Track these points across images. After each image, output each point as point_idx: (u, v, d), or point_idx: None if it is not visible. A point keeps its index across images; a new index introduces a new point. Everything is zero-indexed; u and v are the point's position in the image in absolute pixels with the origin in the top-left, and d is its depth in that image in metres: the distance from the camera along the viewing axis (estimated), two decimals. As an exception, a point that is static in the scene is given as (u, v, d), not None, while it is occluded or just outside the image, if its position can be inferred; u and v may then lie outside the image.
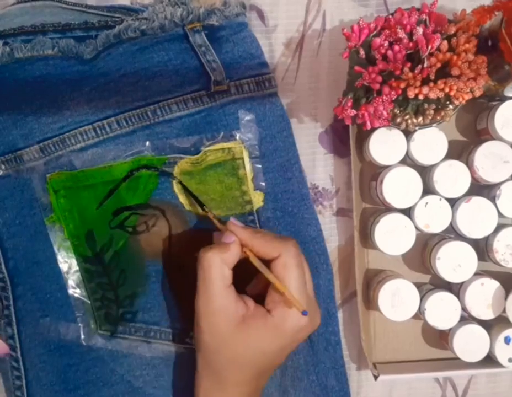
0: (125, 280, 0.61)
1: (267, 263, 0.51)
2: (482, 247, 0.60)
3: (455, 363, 0.61)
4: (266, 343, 0.50)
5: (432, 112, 0.52)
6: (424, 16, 0.50)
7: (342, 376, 0.62)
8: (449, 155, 0.57)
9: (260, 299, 0.52)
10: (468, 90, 0.48)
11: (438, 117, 0.53)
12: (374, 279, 0.62)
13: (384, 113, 0.50)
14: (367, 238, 0.61)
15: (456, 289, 0.60)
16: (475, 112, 0.61)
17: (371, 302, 0.62)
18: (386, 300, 0.58)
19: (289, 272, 0.50)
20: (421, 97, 0.49)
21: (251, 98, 0.59)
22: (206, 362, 0.52)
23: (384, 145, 0.57)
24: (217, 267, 0.49)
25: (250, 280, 0.55)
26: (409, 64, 0.49)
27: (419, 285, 0.60)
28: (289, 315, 0.49)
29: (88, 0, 0.61)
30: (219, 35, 0.58)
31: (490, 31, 0.50)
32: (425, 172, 0.59)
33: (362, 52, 0.51)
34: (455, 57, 0.48)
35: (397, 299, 0.58)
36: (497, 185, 0.58)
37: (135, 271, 0.61)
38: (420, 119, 0.52)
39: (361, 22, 0.50)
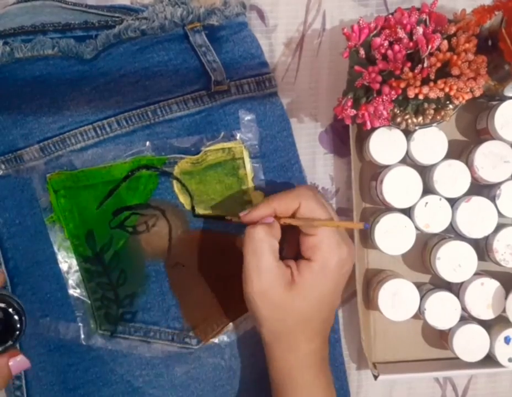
0: (125, 280, 0.61)
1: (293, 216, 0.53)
2: (482, 247, 0.60)
3: (455, 362, 0.61)
4: (320, 289, 0.52)
5: (432, 111, 0.52)
6: (424, 16, 0.50)
7: (342, 374, 0.63)
8: (449, 155, 0.57)
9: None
10: (468, 90, 0.48)
11: (438, 117, 0.53)
12: (374, 279, 0.62)
13: (384, 113, 0.50)
14: (367, 238, 0.61)
15: (456, 289, 0.60)
16: (475, 112, 0.61)
17: (370, 302, 0.62)
18: (386, 300, 0.58)
19: (317, 213, 0.51)
20: (421, 97, 0.49)
21: (252, 98, 0.59)
22: (273, 333, 0.53)
23: (384, 145, 0.57)
24: (267, 241, 0.51)
25: None
26: (409, 64, 0.49)
27: (418, 285, 0.60)
28: (329, 254, 0.51)
29: (88, 0, 0.61)
30: (219, 35, 0.58)
31: (490, 30, 0.50)
32: (425, 172, 0.59)
33: (362, 52, 0.51)
34: (455, 57, 0.48)
35: (397, 299, 0.58)
36: (497, 185, 0.58)
37: (135, 270, 0.60)
38: (420, 119, 0.52)
39: (361, 22, 0.50)
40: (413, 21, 0.50)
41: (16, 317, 0.48)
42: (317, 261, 0.51)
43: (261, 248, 0.51)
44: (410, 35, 0.50)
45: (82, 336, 0.60)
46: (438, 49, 0.49)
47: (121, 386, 0.61)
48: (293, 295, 0.51)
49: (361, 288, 0.61)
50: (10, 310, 0.48)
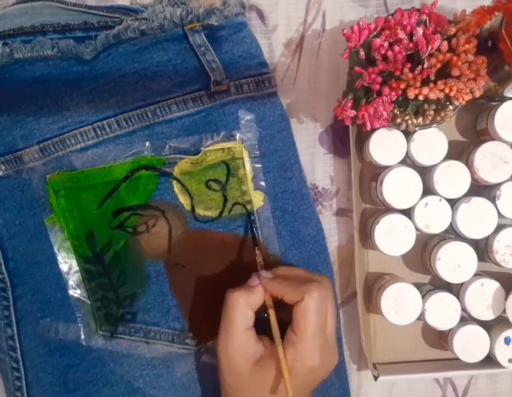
0: (125, 281, 0.61)
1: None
2: (482, 248, 0.60)
3: (455, 363, 0.61)
4: (280, 383, 0.51)
5: (432, 112, 0.52)
6: (424, 17, 0.50)
7: (342, 374, 0.63)
8: (449, 156, 0.57)
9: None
10: (468, 91, 0.48)
11: (438, 118, 0.53)
12: (374, 286, 0.62)
13: (384, 113, 0.50)
14: (367, 238, 0.61)
15: (456, 290, 0.60)
16: (475, 112, 0.61)
17: (373, 308, 0.62)
18: (389, 306, 0.58)
19: (307, 319, 0.50)
20: (421, 97, 0.49)
21: (251, 98, 0.59)
22: (231, 394, 0.53)
23: (384, 145, 0.57)
24: (240, 308, 0.51)
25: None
26: (409, 65, 0.49)
27: (418, 286, 0.60)
28: (300, 357, 0.50)
29: (88, 1, 0.61)
30: (218, 35, 0.58)
31: (490, 31, 0.50)
32: (425, 172, 0.58)
33: (362, 53, 0.51)
34: (455, 58, 0.48)
35: (399, 303, 0.58)
36: (497, 185, 0.57)
37: (135, 271, 0.61)
38: (420, 119, 0.52)
39: (361, 22, 0.50)
40: (413, 22, 0.50)
41: None
42: (288, 356, 0.50)
43: (232, 314, 0.51)
44: (410, 35, 0.50)
45: (82, 337, 0.60)
46: (438, 50, 0.48)
47: (121, 386, 0.61)
48: (253, 374, 0.51)
49: (361, 289, 0.61)
50: None
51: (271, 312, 0.52)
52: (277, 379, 0.51)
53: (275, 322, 0.51)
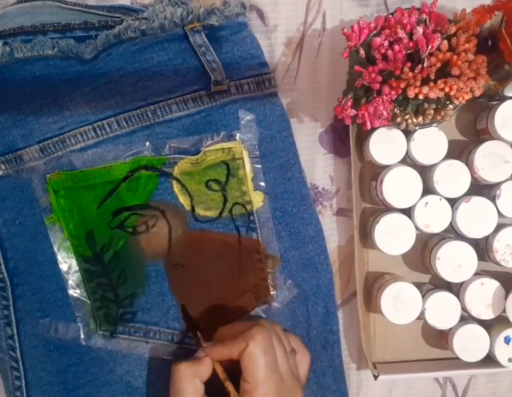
0: (125, 281, 0.60)
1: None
2: (482, 247, 0.60)
3: (455, 362, 0.61)
4: None
5: (432, 111, 0.52)
6: (424, 16, 0.50)
7: (340, 376, 0.62)
8: (449, 155, 0.57)
9: None
10: (468, 90, 0.48)
11: (438, 117, 0.53)
12: (374, 286, 0.62)
13: (384, 113, 0.50)
14: (367, 238, 0.61)
15: (456, 289, 0.60)
16: (475, 111, 0.61)
17: (373, 307, 0.62)
18: (389, 305, 0.58)
19: (255, 362, 0.49)
20: (421, 97, 0.49)
21: (251, 98, 0.59)
22: None
23: (384, 145, 0.57)
24: (189, 379, 0.51)
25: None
26: (409, 64, 0.49)
27: (418, 285, 0.60)
28: None
29: (88, 0, 0.61)
30: (219, 35, 0.58)
31: (490, 30, 0.50)
32: (425, 172, 0.59)
33: (362, 52, 0.51)
34: (455, 57, 0.48)
35: (399, 303, 0.58)
36: (497, 185, 0.58)
37: (135, 271, 0.60)
38: (420, 119, 0.52)
39: (361, 22, 0.50)
40: (413, 21, 0.50)
41: None
42: None
43: (181, 388, 0.51)
44: (410, 34, 0.50)
45: (82, 336, 0.60)
46: (438, 49, 0.49)
47: (120, 386, 0.61)
48: None
49: (361, 289, 0.61)
50: None
51: (228, 384, 0.52)
52: None
53: (235, 393, 0.51)
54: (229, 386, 0.52)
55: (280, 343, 0.52)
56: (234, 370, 0.52)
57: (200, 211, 0.60)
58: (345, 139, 0.62)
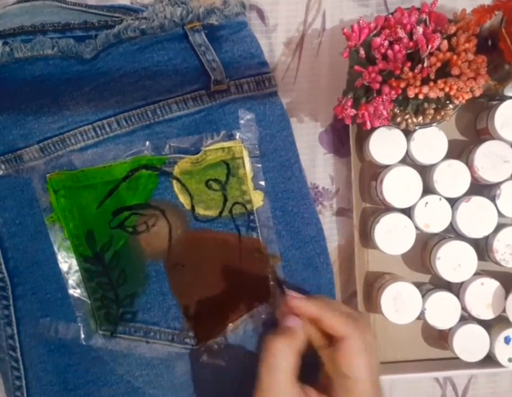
0: (125, 280, 0.61)
1: (330, 338, 0.48)
2: (482, 247, 0.60)
3: (455, 362, 0.61)
4: None
5: (432, 111, 0.52)
6: (424, 16, 0.50)
7: None
8: (449, 155, 0.57)
9: None
10: (468, 90, 0.48)
11: (438, 117, 0.53)
12: (374, 286, 0.62)
13: (384, 112, 0.50)
14: (367, 238, 0.61)
15: (456, 289, 0.60)
16: (475, 111, 0.61)
17: (373, 307, 0.62)
18: (389, 305, 0.58)
19: (358, 358, 0.46)
20: (421, 96, 0.49)
21: (251, 98, 0.59)
22: None
23: (384, 144, 0.57)
24: (284, 357, 0.46)
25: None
26: (409, 64, 0.49)
27: (418, 285, 0.60)
28: None
29: (88, 0, 0.61)
30: (219, 34, 0.58)
31: (490, 30, 0.50)
32: (425, 171, 0.59)
33: (362, 52, 0.51)
34: (455, 57, 0.48)
35: (399, 303, 0.58)
36: (497, 185, 0.58)
37: (135, 270, 0.60)
38: (420, 118, 0.52)
39: (361, 21, 0.50)
40: (413, 21, 0.50)
41: None
42: None
43: (277, 366, 0.45)
44: (410, 34, 0.50)
45: (82, 336, 0.60)
46: (438, 49, 0.49)
47: (121, 386, 0.61)
48: None
49: (361, 289, 0.61)
50: None
51: (321, 349, 0.48)
52: None
53: (342, 367, 0.47)
54: (338, 358, 0.46)
55: (376, 347, 0.49)
56: None
57: (200, 210, 0.60)
58: (345, 139, 0.62)
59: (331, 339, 0.48)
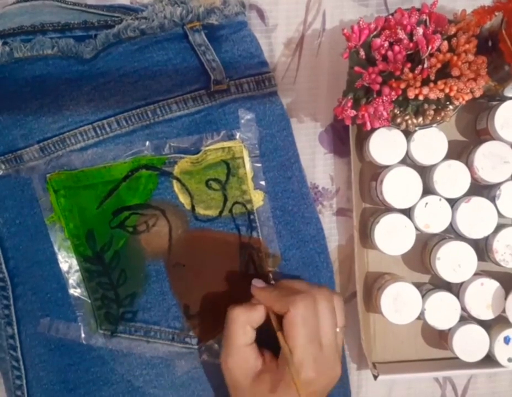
0: (125, 280, 0.61)
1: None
2: (482, 247, 0.60)
3: (455, 362, 0.61)
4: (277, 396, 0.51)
5: (432, 112, 0.52)
6: (424, 17, 0.50)
7: (343, 373, 0.62)
8: (449, 155, 0.57)
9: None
10: (468, 91, 0.48)
11: (438, 118, 0.53)
12: (374, 286, 0.62)
13: (384, 113, 0.50)
14: (367, 238, 0.61)
15: (456, 289, 0.60)
16: (475, 112, 0.61)
17: (373, 307, 0.62)
18: (389, 305, 0.58)
19: (293, 329, 0.50)
20: (421, 97, 0.49)
21: (251, 98, 0.59)
22: None
23: (384, 145, 0.57)
24: (240, 324, 0.52)
25: None
26: (409, 65, 0.49)
27: (418, 285, 0.60)
28: (294, 370, 0.49)
29: (88, 0, 0.61)
30: (218, 34, 0.58)
31: (490, 31, 0.50)
32: (425, 172, 0.58)
33: (362, 53, 0.51)
34: (455, 58, 0.48)
35: (399, 303, 0.58)
36: (497, 185, 0.58)
37: (135, 270, 0.61)
38: (420, 119, 0.52)
39: (361, 22, 0.50)
40: (413, 22, 0.50)
41: None
42: (281, 372, 0.50)
43: (232, 330, 0.52)
44: (410, 35, 0.50)
45: (83, 336, 0.60)
46: (439, 50, 0.48)
47: (121, 385, 0.61)
48: (253, 387, 0.51)
49: (361, 289, 0.61)
50: None
51: (279, 335, 0.51)
52: (273, 393, 0.51)
53: (285, 344, 0.50)
54: (280, 338, 0.51)
55: (331, 315, 0.52)
56: None
57: (200, 210, 0.60)
58: (345, 139, 0.62)
59: None
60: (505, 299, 0.57)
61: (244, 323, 0.52)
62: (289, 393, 0.50)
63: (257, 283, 0.55)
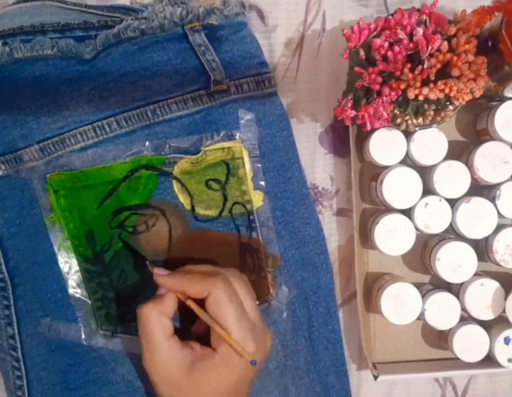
0: (125, 280, 0.61)
1: (202, 302, 0.51)
2: (482, 248, 0.60)
3: (455, 363, 0.61)
4: (219, 381, 0.50)
5: (432, 112, 0.52)
6: (424, 17, 0.50)
7: (343, 375, 0.63)
8: (449, 156, 0.57)
9: (207, 338, 0.52)
10: (468, 91, 0.48)
11: (438, 118, 0.53)
12: (374, 286, 0.62)
13: (384, 114, 0.50)
14: (367, 238, 0.61)
15: (456, 290, 0.60)
16: (475, 112, 0.61)
17: (372, 307, 0.62)
18: (389, 306, 0.58)
19: (222, 308, 0.50)
20: (421, 98, 0.49)
21: (251, 98, 0.59)
22: None
23: (384, 145, 0.57)
24: (154, 319, 0.50)
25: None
26: (409, 65, 0.49)
27: (418, 286, 0.60)
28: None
29: (88, 0, 0.61)
30: (218, 35, 0.58)
31: (490, 31, 0.50)
32: (425, 172, 0.58)
33: (362, 53, 0.51)
34: (455, 58, 0.48)
35: (399, 303, 0.58)
36: (497, 185, 0.58)
37: (135, 270, 0.61)
38: (420, 120, 0.52)
39: (361, 22, 0.50)
40: (413, 22, 0.50)
41: None
42: (221, 354, 0.50)
43: (148, 328, 0.50)
44: (410, 35, 0.50)
45: (83, 336, 0.60)
46: (439, 50, 0.48)
47: (122, 386, 0.61)
48: (190, 380, 0.50)
49: (361, 289, 0.61)
50: None
51: (190, 302, 0.51)
52: (213, 378, 0.50)
53: (199, 308, 0.51)
54: (192, 304, 0.51)
55: (249, 290, 0.53)
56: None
57: (200, 210, 0.60)
58: (345, 139, 0.62)
59: None
60: (505, 299, 0.58)
61: (158, 317, 0.50)
62: (234, 373, 0.50)
63: (160, 271, 0.53)
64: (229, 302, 0.50)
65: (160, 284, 0.53)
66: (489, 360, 0.59)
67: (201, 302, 0.51)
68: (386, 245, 0.57)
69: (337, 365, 0.62)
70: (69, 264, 0.60)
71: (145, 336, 0.51)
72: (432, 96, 0.48)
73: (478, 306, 0.58)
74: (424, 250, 0.62)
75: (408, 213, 0.58)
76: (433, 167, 0.57)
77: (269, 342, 0.53)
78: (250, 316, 0.51)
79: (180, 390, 0.50)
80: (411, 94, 0.48)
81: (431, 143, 0.56)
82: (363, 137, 0.59)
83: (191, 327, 0.55)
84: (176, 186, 0.60)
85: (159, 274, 0.53)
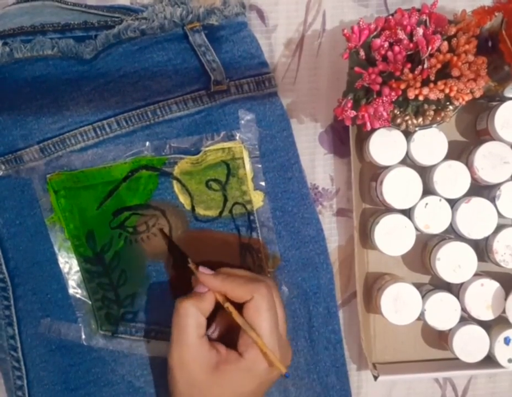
0: (126, 280, 0.61)
1: (241, 305, 0.52)
2: (482, 248, 0.60)
3: (455, 363, 0.61)
4: (240, 386, 0.51)
5: (432, 112, 0.52)
6: (424, 17, 0.50)
7: (343, 375, 0.63)
8: (449, 156, 0.57)
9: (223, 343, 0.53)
10: (468, 91, 0.48)
11: (438, 118, 0.53)
12: (374, 287, 0.62)
13: (384, 114, 0.50)
14: (367, 238, 0.61)
15: (456, 290, 0.60)
16: (475, 112, 0.61)
17: (373, 308, 0.62)
18: (389, 306, 0.58)
19: (260, 316, 0.50)
20: (421, 98, 0.49)
21: (251, 98, 0.59)
22: None
23: (384, 145, 0.57)
24: (192, 315, 0.50)
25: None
26: (409, 65, 0.49)
27: (418, 286, 0.60)
28: (260, 357, 0.50)
29: (88, 0, 0.61)
30: (219, 35, 0.58)
31: (490, 32, 0.50)
32: (425, 172, 0.58)
33: (362, 53, 0.51)
34: (455, 58, 0.48)
35: (399, 303, 0.58)
36: (497, 186, 0.57)
37: (135, 271, 0.61)
38: (420, 120, 0.52)
39: (361, 23, 0.50)
40: (413, 22, 0.50)
41: None
42: (247, 359, 0.50)
43: (184, 323, 0.50)
44: (410, 36, 0.50)
45: (83, 337, 0.60)
46: (439, 50, 0.48)
47: (122, 386, 0.61)
48: (212, 381, 0.50)
49: (361, 289, 0.61)
50: None
51: (229, 305, 0.51)
52: (235, 383, 0.50)
53: (236, 312, 0.51)
54: (231, 307, 0.52)
55: (281, 303, 0.53)
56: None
57: (200, 211, 0.60)
58: (345, 139, 0.62)
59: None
60: (505, 299, 0.57)
61: (196, 313, 0.51)
62: (256, 380, 0.51)
63: (205, 270, 0.53)
64: (268, 310, 0.50)
65: (205, 283, 0.52)
66: (489, 361, 0.59)
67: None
68: (386, 245, 0.57)
69: (338, 366, 0.62)
70: (69, 265, 0.60)
71: (178, 330, 0.51)
72: (432, 96, 0.48)
73: (478, 306, 0.58)
74: (424, 250, 0.62)
75: (407, 213, 0.58)
76: (433, 167, 0.57)
77: (290, 356, 0.54)
78: (280, 329, 0.52)
79: (200, 390, 0.51)
80: (411, 94, 0.48)
81: (431, 143, 0.56)
82: (363, 137, 0.59)
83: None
84: (176, 186, 0.60)
85: (204, 273, 0.53)
